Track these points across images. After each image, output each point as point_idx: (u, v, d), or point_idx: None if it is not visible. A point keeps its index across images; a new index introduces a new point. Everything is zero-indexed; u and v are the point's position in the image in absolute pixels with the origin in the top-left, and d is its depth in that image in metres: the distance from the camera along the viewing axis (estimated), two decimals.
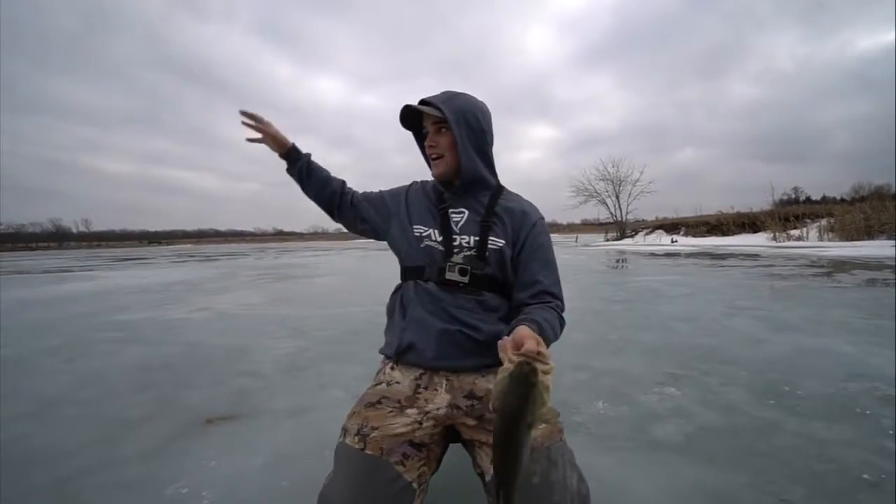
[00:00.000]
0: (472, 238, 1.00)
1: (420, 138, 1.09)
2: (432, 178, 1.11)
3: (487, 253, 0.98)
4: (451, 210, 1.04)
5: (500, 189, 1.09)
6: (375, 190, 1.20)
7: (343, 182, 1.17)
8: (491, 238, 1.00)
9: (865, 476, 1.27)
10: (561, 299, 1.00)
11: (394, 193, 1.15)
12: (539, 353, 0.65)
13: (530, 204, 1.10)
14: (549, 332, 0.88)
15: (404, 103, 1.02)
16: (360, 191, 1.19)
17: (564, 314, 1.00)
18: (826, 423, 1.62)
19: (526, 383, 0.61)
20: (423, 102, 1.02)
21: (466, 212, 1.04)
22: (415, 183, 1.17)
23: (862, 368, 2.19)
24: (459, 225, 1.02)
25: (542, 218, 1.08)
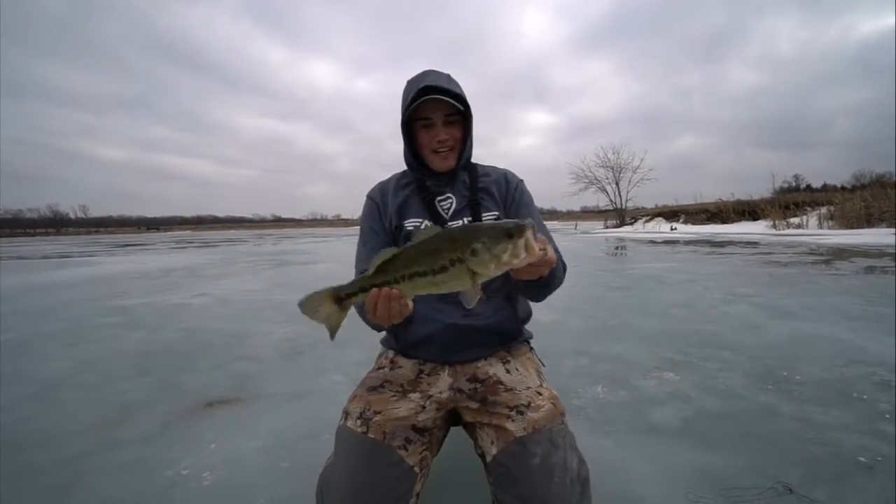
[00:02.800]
0: (465, 220, 0.98)
1: (408, 125, 0.98)
2: (397, 173, 1.07)
3: None
4: (437, 199, 1.01)
5: (474, 165, 1.07)
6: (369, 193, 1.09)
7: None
8: (484, 215, 0.99)
9: (862, 459, 1.28)
10: (557, 250, 0.95)
11: (372, 217, 1.05)
12: (541, 242, 0.63)
13: (507, 170, 1.09)
14: (558, 260, 0.84)
15: (417, 86, 0.92)
16: (368, 231, 1.05)
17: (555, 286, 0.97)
18: (823, 407, 1.63)
19: (507, 229, 0.60)
20: (433, 89, 0.92)
21: (453, 196, 1.01)
22: (381, 190, 1.06)
23: (860, 354, 2.20)
24: (450, 212, 1.00)
25: (522, 181, 1.07)
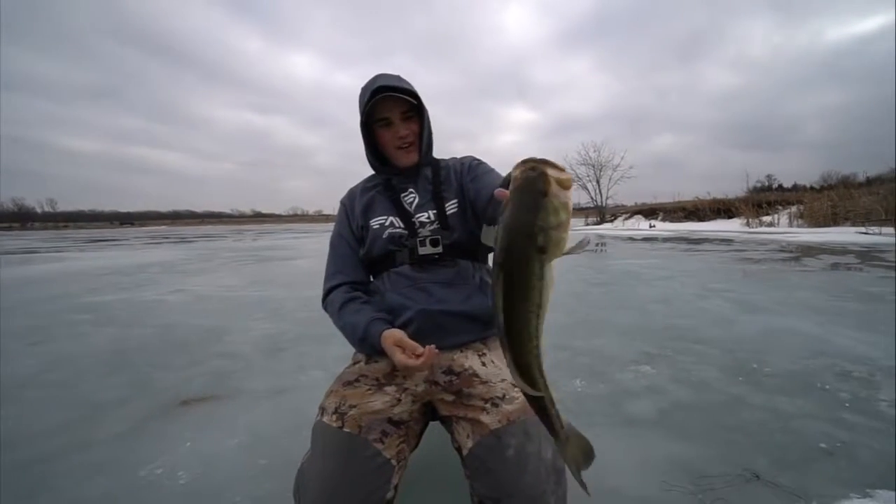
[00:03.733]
0: (430, 212, 1.02)
1: (368, 128, 1.02)
2: (366, 177, 1.13)
3: (449, 221, 1.00)
4: (402, 195, 1.05)
5: (437, 160, 1.11)
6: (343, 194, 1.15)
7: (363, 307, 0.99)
8: (447, 205, 1.02)
9: (823, 445, 1.35)
10: None
11: (342, 222, 1.10)
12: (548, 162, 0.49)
13: (465, 156, 1.13)
14: None
15: (371, 88, 0.96)
16: (342, 241, 1.09)
17: None
18: (789, 397, 1.70)
19: (531, 191, 0.47)
20: (386, 88, 0.95)
21: (415, 191, 1.05)
22: (350, 194, 1.12)
23: (824, 347, 2.30)
24: (413, 206, 1.03)
25: (476, 158, 1.11)
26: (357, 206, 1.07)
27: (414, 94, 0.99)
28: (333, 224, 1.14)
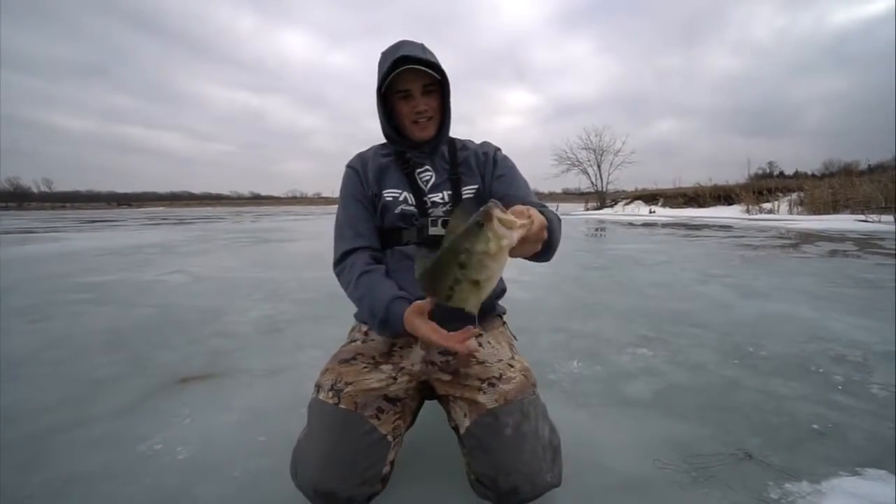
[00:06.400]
0: (445, 193, 0.98)
1: (385, 97, 0.98)
2: (377, 144, 1.08)
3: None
4: (417, 171, 1.01)
5: (453, 139, 1.08)
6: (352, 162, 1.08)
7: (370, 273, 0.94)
8: (464, 188, 0.99)
9: (815, 426, 1.36)
10: (544, 206, 0.88)
11: (355, 186, 1.03)
12: (519, 213, 0.62)
13: (484, 141, 1.10)
14: (551, 215, 0.80)
15: (392, 57, 0.91)
16: (352, 208, 1.03)
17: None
18: (784, 380, 1.71)
19: (476, 223, 0.59)
20: (408, 59, 0.91)
21: (432, 170, 1.01)
22: (361, 158, 1.06)
23: (820, 331, 2.31)
24: (429, 185, 1.00)
25: (500, 149, 1.08)
26: (370, 171, 1.02)
27: (438, 68, 0.93)
28: (337, 200, 1.07)
